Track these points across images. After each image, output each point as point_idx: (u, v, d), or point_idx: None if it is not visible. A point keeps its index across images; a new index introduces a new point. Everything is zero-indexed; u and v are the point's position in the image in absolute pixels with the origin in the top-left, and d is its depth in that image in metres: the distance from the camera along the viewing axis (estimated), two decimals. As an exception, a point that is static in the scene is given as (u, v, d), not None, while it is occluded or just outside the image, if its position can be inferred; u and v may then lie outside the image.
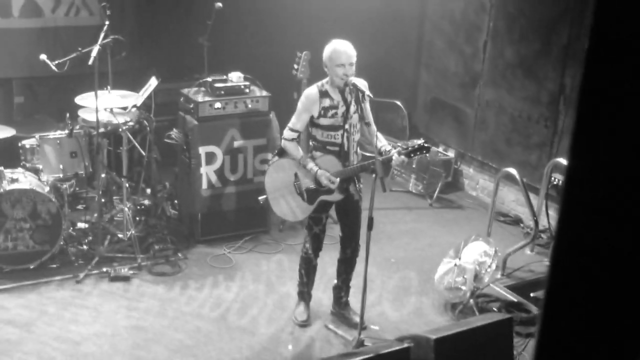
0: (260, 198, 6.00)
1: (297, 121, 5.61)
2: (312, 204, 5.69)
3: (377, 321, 6.08)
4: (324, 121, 5.51)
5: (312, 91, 5.55)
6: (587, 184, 1.11)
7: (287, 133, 5.65)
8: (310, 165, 5.57)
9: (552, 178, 7.15)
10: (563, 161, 6.88)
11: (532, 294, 6.28)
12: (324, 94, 5.50)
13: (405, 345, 4.71)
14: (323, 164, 5.57)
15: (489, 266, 6.11)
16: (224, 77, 7.25)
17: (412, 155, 5.51)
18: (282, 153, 5.76)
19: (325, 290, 6.33)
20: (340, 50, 5.41)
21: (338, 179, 5.55)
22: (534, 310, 6.12)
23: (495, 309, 6.12)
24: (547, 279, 1.18)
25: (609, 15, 1.05)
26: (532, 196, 6.93)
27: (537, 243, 7.34)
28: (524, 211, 7.90)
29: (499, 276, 6.72)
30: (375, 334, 5.88)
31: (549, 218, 7.24)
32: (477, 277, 6.10)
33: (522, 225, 8.03)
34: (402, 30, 9.50)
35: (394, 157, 5.41)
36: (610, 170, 1.08)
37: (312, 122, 5.57)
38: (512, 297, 6.35)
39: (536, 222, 6.70)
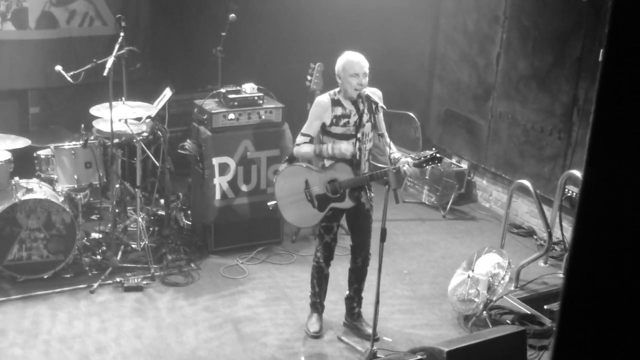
0: (269, 204, 6.01)
1: (309, 127, 5.64)
2: (322, 210, 5.70)
3: (390, 333, 6.07)
4: (335, 129, 5.52)
5: (323, 99, 5.59)
6: (603, 195, 1.11)
7: (299, 138, 5.68)
8: (326, 146, 5.56)
9: (566, 190, 7.13)
10: (577, 173, 6.86)
11: (545, 307, 6.25)
12: (335, 102, 5.52)
13: (418, 357, 4.71)
14: (336, 170, 5.58)
15: (502, 278, 6.09)
16: (238, 88, 7.27)
17: (423, 165, 5.50)
18: (292, 160, 5.78)
19: (338, 301, 6.33)
20: (354, 60, 5.43)
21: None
22: (548, 322, 6.09)
23: (508, 322, 6.10)
24: (562, 290, 1.18)
25: (625, 26, 1.05)
26: (545, 208, 6.92)
27: (550, 255, 7.32)
28: (538, 223, 7.88)
29: (512, 288, 6.70)
30: (388, 345, 5.87)
31: (563, 230, 7.21)
32: (490, 289, 6.08)
33: (535, 237, 8.00)
34: (416, 42, 9.51)
35: (403, 168, 5.40)
36: (626, 182, 1.08)
37: (324, 131, 5.59)
38: (525, 310, 6.32)
39: (550, 234, 6.68)
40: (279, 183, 5.81)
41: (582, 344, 1.14)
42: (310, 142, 5.65)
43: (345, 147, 5.51)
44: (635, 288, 1.09)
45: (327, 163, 5.62)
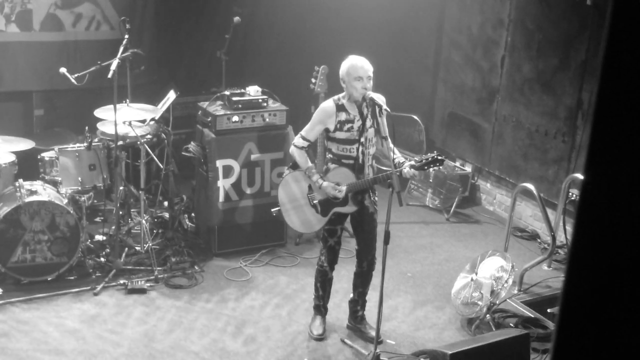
0: (273, 210, 6.02)
1: (310, 131, 5.65)
2: (325, 215, 5.70)
3: (393, 336, 6.06)
4: (339, 135, 5.52)
5: (328, 104, 5.58)
6: (602, 199, 1.11)
7: (297, 140, 5.68)
8: (315, 177, 5.59)
9: (570, 193, 7.12)
10: (581, 176, 6.85)
11: (549, 310, 6.25)
12: (340, 107, 5.52)
13: (421, 360, 4.71)
14: (337, 176, 5.58)
15: (506, 281, 6.09)
16: (242, 90, 7.28)
17: (425, 168, 5.50)
18: (296, 166, 5.78)
19: (341, 304, 6.33)
20: (358, 64, 5.43)
21: (344, 187, 5.54)
22: (551, 326, 6.08)
23: (511, 325, 6.09)
24: (561, 295, 1.18)
25: (624, 30, 1.05)
26: (549, 211, 6.91)
27: (554, 259, 7.30)
28: (541, 226, 7.87)
29: (515, 292, 6.69)
30: (392, 348, 5.87)
31: (567, 234, 7.21)
32: (493, 292, 6.08)
33: (539, 240, 7.99)
34: (420, 45, 9.52)
35: (405, 170, 5.39)
36: (626, 184, 1.08)
37: (328, 136, 5.59)
38: (529, 313, 6.32)
39: (553, 238, 6.67)
40: (282, 188, 5.82)
41: (582, 347, 1.14)
42: (308, 148, 5.69)
43: (327, 185, 5.55)
44: (635, 290, 1.09)
45: (331, 167, 5.62)
